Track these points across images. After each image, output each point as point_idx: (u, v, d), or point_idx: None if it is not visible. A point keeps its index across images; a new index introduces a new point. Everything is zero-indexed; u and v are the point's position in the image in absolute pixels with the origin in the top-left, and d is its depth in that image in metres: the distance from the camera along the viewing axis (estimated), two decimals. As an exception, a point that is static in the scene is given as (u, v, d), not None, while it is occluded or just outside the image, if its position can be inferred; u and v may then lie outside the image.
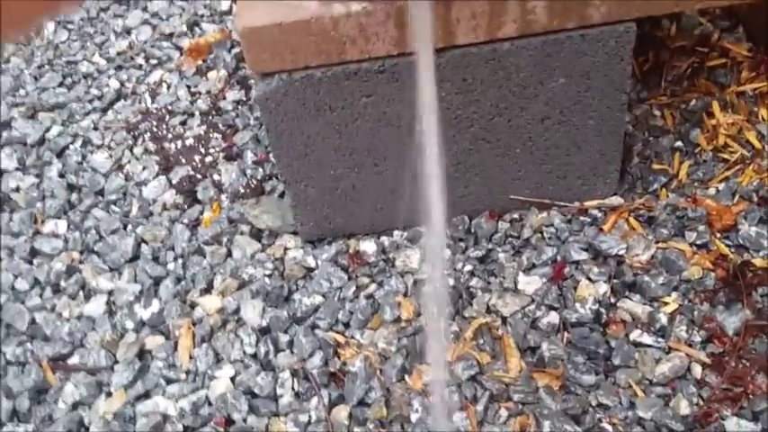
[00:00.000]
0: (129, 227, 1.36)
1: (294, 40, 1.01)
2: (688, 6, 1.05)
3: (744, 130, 1.33)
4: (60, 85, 1.70)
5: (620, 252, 1.17)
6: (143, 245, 1.33)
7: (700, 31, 1.49)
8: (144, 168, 1.47)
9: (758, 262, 1.14)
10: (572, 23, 1.03)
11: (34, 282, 1.30)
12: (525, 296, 1.16)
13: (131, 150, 1.51)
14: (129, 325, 1.21)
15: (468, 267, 1.20)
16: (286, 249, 1.29)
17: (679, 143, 1.33)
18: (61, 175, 1.48)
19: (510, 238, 1.24)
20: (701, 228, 1.20)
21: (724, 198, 1.24)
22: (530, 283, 1.17)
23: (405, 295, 1.19)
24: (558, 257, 1.19)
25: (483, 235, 1.24)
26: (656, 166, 1.30)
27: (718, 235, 1.19)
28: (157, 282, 1.27)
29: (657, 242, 1.19)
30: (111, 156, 1.51)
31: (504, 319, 1.14)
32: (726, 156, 1.30)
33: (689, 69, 1.43)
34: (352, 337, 1.16)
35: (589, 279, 1.16)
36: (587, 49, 1.06)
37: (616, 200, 1.26)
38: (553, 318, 1.13)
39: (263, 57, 1.03)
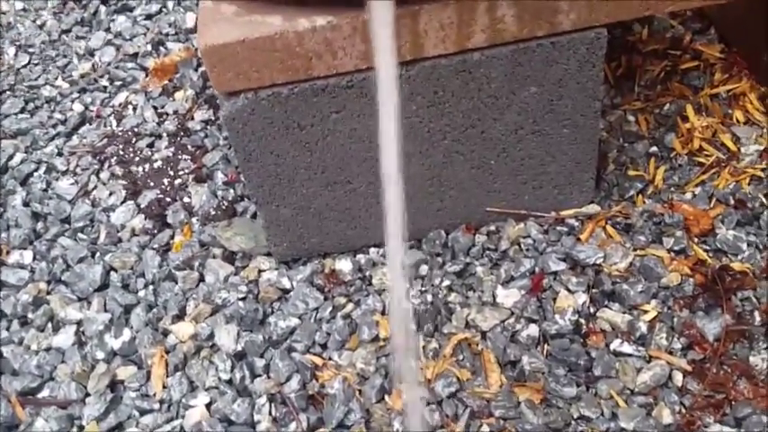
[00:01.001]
0: (98, 254, 1.32)
1: (258, 57, 0.99)
2: (658, 9, 1.04)
3: (718, 133, 1.32)
4: (22, 110, 1.66)
5: (598, 261, 1.16)
6: (112, 272, 1.29)
7: (671, 35, 1.49)
8: (111, 194, 1.43)
9: (736, 266, 1.14)
10: (542, 31, 1.02)
11: (0, 314, 1.26)
12: (504, 309, 1.14)
13: (97, 175, 1.48)
14: (100, 355, 1.17)
15: (446, 282, 1.18)
16: (260, 271, 1.26)
17: (654, 148, 1.33)
18: (25, 204, 1.44)
19: (487, 251, 1.22)
20: (679, 233, 1.19)
21: (700, 202, 1.23)
22: (508, 296, 1.15)
23: (382, 313, 1.17)
24: (536, 269, 1.18)
25: (460, 249, 1.22)
26: (631, 173, 1.29)
27: (696, 240, 1.19)
28: (128, 310, 1.23)
29: (635, 249, 1.18)
30: (76, 182, 1.47)
31: (483, 334, 1.12)
32: (701, 159, 1.29)
33: (662, 73, 1.43)
34: (330, 359, 1.13)
35: (568, 290, 1.14)
36: (558, 57, 1.05)
37: (593, 208, 1.25)
38: (533, 330, 1.11)
39: (228, 75, 1.01)
